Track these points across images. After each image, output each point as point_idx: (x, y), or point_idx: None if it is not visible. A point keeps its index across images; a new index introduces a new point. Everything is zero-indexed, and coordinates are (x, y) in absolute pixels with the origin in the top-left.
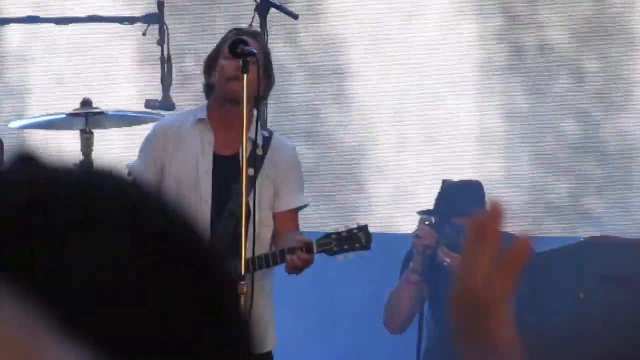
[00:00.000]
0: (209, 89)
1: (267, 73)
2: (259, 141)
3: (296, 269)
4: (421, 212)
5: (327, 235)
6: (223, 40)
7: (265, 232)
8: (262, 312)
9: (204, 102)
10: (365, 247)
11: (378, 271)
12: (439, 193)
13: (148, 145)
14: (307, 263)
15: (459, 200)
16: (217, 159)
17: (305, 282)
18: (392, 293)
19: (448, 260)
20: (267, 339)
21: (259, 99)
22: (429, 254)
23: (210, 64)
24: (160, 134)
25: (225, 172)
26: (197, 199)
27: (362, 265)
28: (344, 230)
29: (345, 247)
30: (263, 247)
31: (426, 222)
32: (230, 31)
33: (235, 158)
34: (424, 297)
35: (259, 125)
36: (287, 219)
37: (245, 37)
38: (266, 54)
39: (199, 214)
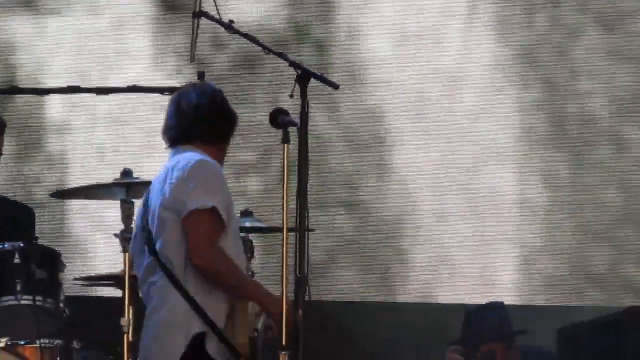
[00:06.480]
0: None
1: None
2: None
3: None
4: (450, 343)
5: None
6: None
7: None
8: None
9: (243, 171)
10: None
11: (418, 340)
12: (464, 321)
13: (223, 184)
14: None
15: (485, 325)
16: None
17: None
18: None
19: None
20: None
21: None
22: None
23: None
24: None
25: None
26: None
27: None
28: None
29: None
30: None
31: (456, 353)
32: None
33: None
34: None
35: None
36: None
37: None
38: None
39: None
